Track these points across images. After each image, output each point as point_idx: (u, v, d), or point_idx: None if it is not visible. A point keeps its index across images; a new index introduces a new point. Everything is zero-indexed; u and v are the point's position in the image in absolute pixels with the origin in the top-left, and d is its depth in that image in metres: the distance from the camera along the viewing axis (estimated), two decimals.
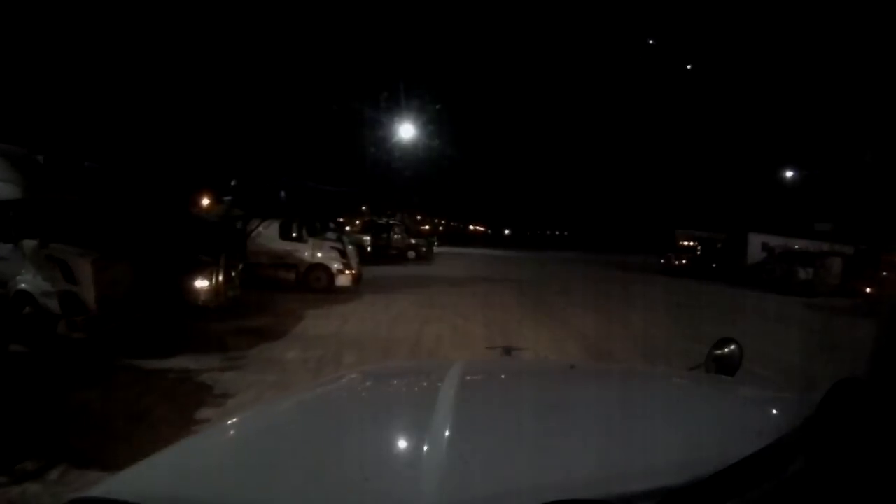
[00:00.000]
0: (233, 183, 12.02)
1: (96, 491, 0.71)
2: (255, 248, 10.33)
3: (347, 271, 10.11)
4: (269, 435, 0.94)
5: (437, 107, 17.46)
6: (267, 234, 10.50)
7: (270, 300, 8.89)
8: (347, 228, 21.14)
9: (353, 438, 0.88)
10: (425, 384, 1.35)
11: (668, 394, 1.24)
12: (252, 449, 0.87)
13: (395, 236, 22.23)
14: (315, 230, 11.29)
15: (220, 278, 7.91)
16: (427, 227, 40.62)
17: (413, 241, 23.07)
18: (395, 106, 15.73)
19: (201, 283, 7.63)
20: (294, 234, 10.76)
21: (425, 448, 0.79)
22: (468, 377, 1.27)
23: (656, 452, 0.79)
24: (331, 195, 11.52)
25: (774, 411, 1.06)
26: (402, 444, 0.91)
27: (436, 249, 26.79)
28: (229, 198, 12.01)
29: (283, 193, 11.18)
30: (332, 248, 10.25)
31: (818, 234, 21.03)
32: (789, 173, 27.11)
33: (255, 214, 10.74)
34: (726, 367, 1.44)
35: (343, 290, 10.16)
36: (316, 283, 10.26)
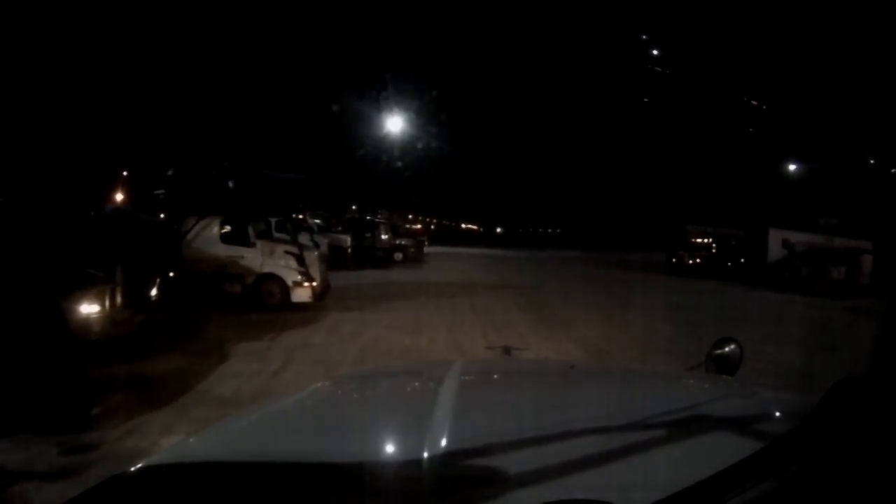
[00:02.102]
0: (170, 172, 9.72)
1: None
2: (192, 254, 8.05)
3: (306, 283, 7.79)
4: (269, 435, 0.93)
5: (428, 98, 15.70)
6: (206, 236, 8.19)
7: (201, 324, 6.64)
8: (340, 228, 18.93)
9: (353, 438, 0.87)
10: (425, 384, 1.34)
11: (668, 394, 1.20)
12: (251, 449, 0.85)
13: (381, 236, 19.87)
14: (281, 230, 9.01)
15: (119, 299, 5.69)
16: (419, 225, 38.56)
17: (400, 242, 20.73)
18: (383, 98, 13.97)
19: (89, 308, 5.41)
20: (255, 235, 8.44)
21: (425, 448, 0.77)
22: (468, 377, 1.30)
23: (656, 452, 0.78)
24: (293, 185, 9.20)
25: (774, 411, 1.06)
26: (402, 443, 0.88)
27: (427, 249, 24.61)
28: (162, 191, 9.73)
29: (231, 183, 8.86)
30: (287, 253, 7.91)
31: (822, 229, 19.81)
32: (792, 167, 26.04)
33: (194, 210, 8.47)
34: (726, 366, 1.42)
35: (302, 306, 7.85)
36: (268, 298, 7.95)
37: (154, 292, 6.55)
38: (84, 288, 5.41)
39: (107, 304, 5.51)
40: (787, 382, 4.41)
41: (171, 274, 7.95)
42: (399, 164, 20.02)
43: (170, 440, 3.41)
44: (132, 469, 0.74)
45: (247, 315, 7.22)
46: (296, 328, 6.61)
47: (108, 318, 5.48)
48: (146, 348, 5.55)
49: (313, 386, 1.38)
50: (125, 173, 11.87)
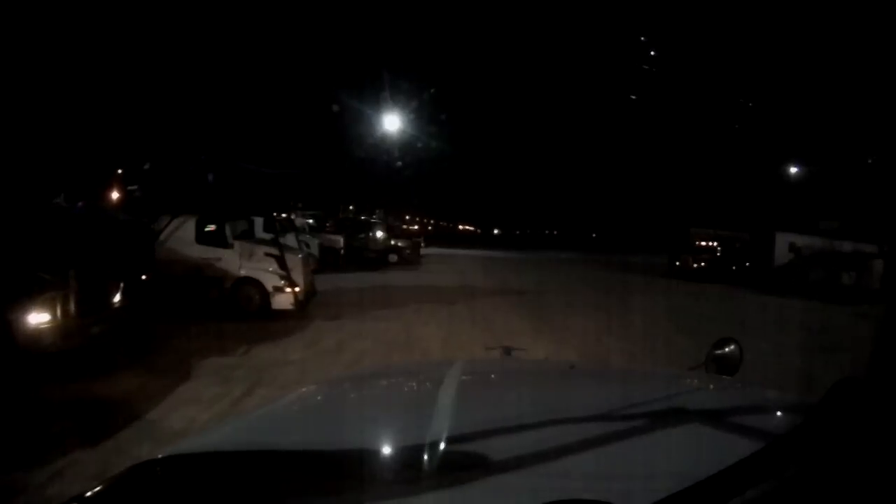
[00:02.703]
0: (146, 167, 9.05)
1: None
2: (165, 256, 7.37)
3: (288, 289, 7.09)
4: (269, 434, 0.92)
5: (427, 97, 15.17)
6: (180, 236, 7.50)
7: (167, 335, 5.97)
8: (333, 228, 18.22)
9: (353, 438, 0.86)
10: (425, 384, 1.33)
11: (668, 394, 1.17)
12: (252, 448, 0.84)
13: (376, 236, 19.17)
14: (270, 229, 8.33)
15: (72, 307, 5.06)
16: (416, 226, 37.94)
17: (396, 243, 20.02)
18: (382, 97, 13.44)
19: (38, 318, 4.79)
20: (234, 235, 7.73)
21: (425, 448, 0.75)
22: (468, 377, 1.28)
23: (656, 452, 0.78)
24: (277, 181, 8.55)
25: (774, 411, 1.07)
26: (402, 443, 0.87)
27: (423, 251, 23.94)
28: (135, 186, 9.06)
29: (210, 176, 8.19)
30: (268, 255, 7.21)
31: (824, 232, 19.39)
32: (794, 169, 25.80)
33: (169, 208, 7.79)
34: (726, 367, 1.42)
35: (284, 314, 7.15)
36: (246, 305, 7.26)
37: (117, 298, 5.88)
38: (33, 294, 4.77)
39: (58, 312, 4.87)
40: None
41: (143, 277, 7.32)
42: (398, 164, 19.50)
43: None
44: (132, 467, 0.74)
45: (221, 324, 6.51)
46: (272, 341, 5.91)
47: (59, 328, 4.84)
48: (99, 364, 4.91)
49: (313, 384, 1.37)
50: (119, 171, 11.20)
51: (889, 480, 0.54)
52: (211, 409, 3.83)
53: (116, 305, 5.83)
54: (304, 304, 7.46)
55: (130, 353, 5.26)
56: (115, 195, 9.94)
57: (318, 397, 1.21)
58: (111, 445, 3.39)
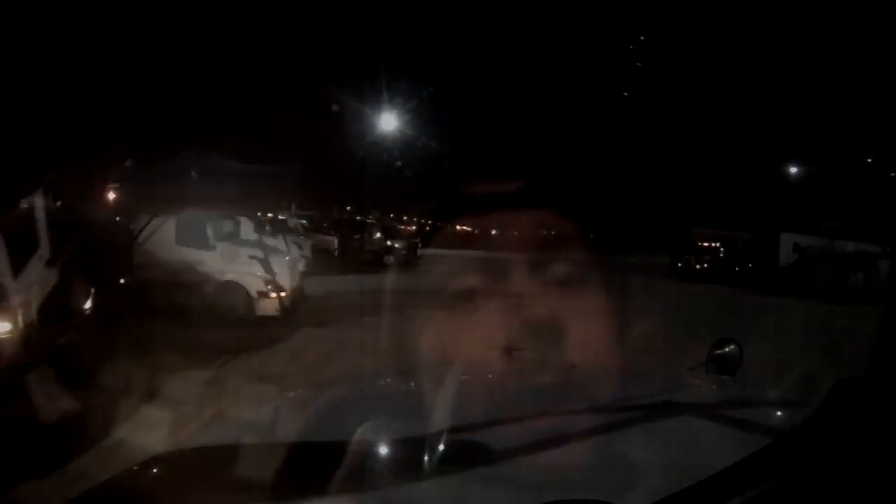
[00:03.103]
0: (127, 163, 8.62)
1: None
2: (144, 259, 6.95)
3: (273, 294, 6.65)
4: (269, 431, 0.94)
5: (426, 96, 14.84)
6: (159, 238, 7.05)
7: (140, 345, 5.52)
8: (321, 226, 17.85)
9: (352, 435, 0.83)
10: (425, 384, 1.28)
11: (669, 394, 1.10)
12: (252, 448, 0.84)
13: (371, 237, 18.80)
14: (260, 231, 7.91)
15: (34, 316, 4.70)
16: (413, 227, 37.59)
17: (392, 244, 19.64)
18: (381, 97, 13.12)
19: None
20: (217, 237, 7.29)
21: (424, 448, 0.75)
22: (468, 377, 1.27)
23: (656, 452, 0.79)
24: (263, 179, 8.14)
25: (774, 411, 1.08)
26: (401, 444, 0.86)
27: (421, 252, 23.56)
28: (116, 185, 8.62)
29: (193, 173, 7.77)
30: (252, 257, 6.77)
31: (824, 232, 19.29)
32: (794, 169, 25.63)
33: (150, 207, 7.37)
34: (726, 366, 1.42)
35: (269, 320, 6.69)
36: (229, 311, 6.81)
37: (87, 305, 5.47)
38: None
39: (19, 320, 4.46)
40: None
41: (122, 281, 6.91)
42: (398, 164, 19.19)
43: None
44: (132, 467, 0.75)
45: (200, 331, 6.06)
46: (253, 351, 5.47)
47: (21, 339, 4.43)
48: (61, 379, 4.44)
49: (314, 386, 1.45)
50: (103, 169, 10.77)
51: (889, 480, 0.53)
52: (176, 434, 3.41)
53: (87, 312, 5.42)
54: (292, 310, 7.03)
55: (95, 366, 4.82)
56: (96, 194, 9.50)
57: (318, 396, 1.21)
58: (56, 481, 2.96)
